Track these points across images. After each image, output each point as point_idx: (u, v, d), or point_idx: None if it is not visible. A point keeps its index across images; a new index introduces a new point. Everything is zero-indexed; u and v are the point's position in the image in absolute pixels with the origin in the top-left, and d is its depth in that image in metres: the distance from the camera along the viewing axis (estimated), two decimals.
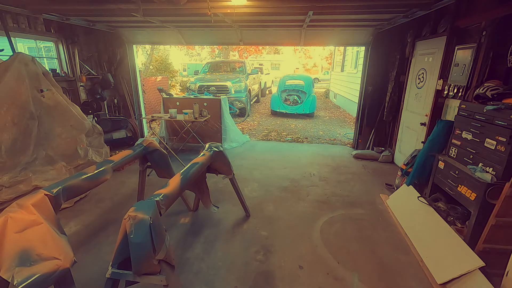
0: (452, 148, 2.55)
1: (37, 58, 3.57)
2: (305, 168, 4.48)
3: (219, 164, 2.67)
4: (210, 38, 5.62)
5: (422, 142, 3.49)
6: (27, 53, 3.52)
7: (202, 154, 2.51)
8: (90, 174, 2.02)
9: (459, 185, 2.32)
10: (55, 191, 1.68)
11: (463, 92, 2.89)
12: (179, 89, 13.81)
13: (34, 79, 3.34)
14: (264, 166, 4.56)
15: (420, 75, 3.90)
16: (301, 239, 2.66)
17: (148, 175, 3.22)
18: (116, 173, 4.00)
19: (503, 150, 1.97)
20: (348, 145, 5.90)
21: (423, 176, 3.01)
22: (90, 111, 5.18)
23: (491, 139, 2.09)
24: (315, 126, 7.91)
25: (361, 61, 5.65)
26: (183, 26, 4.88)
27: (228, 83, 8.76)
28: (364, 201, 3.38)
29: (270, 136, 6.82)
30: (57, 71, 4.83)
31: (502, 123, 1.99)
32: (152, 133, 6.19)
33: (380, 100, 4.93)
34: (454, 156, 2.52)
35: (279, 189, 3.70)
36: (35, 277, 1.29)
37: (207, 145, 2.70)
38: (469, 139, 2.34)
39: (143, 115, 6.19)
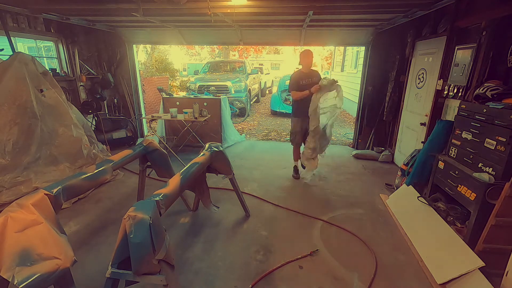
0: (452, 148, 2.55)
1: (37, 58, 3.57)
2: None
3: (219, 164, 2.67)
4: (210, 38, 5.63)
5: (422, 142, 3.49)
6: (27, 53, 3.52)
7: (202, 154, 2.51)
8: (90, 174, 2.02)
9: (459, 185, 2.32)
10: (55, 190, 1.68)
11: (463, 92, 2.89)
12: (179, 88, 13.80)
13: (34, 78, 3.34)
14: (264, 166, 4.56)
15: (420, 75, 3.90)
16: (301, 239, 2.66)
17: (148, 175, 3.22)
18: (115, 173, 4.01)
19: (503, 150, 1.97)
20: (348, 145, 5.90)
21: (423, 176, 3.01)
22: (90, 111, 5.18)
23: (491, 139, 2.09)
24: None
25: (361, 61, 5.65)
26: (183, 26, 4.88)
27: (228, 83, 8.76)
28: (364, 201, 3.38)
29: (270, 136, 6.82)
30: (57, 71, 4.83)
31: (502, 123, 1.99)
32: (152, 133, 6.18)
33: (380, 100, 4.93)
34: (454, 156, 2.52)
35: (279, 189, 3.71)
36: (36, 276, 1.29)
37: (207, 145, 2.70)
38: (469, 139, 2.34)
39: (143, 115, 6.19)
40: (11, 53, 3.45)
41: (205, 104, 5.14)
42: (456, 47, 3.04)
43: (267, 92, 15.44)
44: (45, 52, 7.59)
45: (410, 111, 4.21)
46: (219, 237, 2.66)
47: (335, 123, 3.85)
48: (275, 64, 27.60)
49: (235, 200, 3.05)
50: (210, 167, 2.65)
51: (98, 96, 5.38)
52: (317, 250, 2.47)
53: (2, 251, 1.32)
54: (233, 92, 8.66)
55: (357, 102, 5.39)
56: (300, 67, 3.77)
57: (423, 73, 3.82)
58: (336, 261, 2.35)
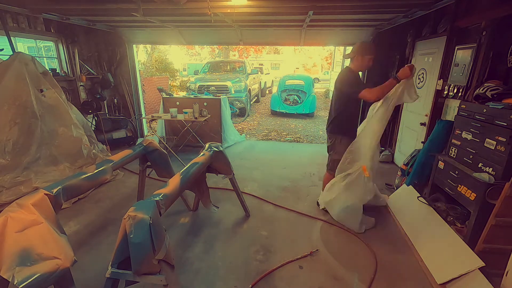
0: (452, 148, 2.55)
1: (37, 58, 3.57)
2: (305, 168, 4.48)
3: (219, 164, 2.67)
4: (210, 38, 5.63)
5: (422, 142, 3.49)
6: (27, 53, 3.52)
7: (202, 154, 2.51)
8: (90, 174, 2.02)
9: (459, 185, 2.32)
10: (55, 190, 1.68)
11: (463, 92, 2.89)
12: (179, 88, 13.81)
13: (34, 78, 3.34)
14: (264, 166, 4.56)
15: (420, 75, 3.90)
16: (301, 239, 2.66)
17: (148, 175, 3.22)
18: (115, 173, 4.01)
19: (503, 150, 1.97)
20: None
21: (423, 176, 3.01)
22: (90, 111, 5.18)
23: (491, 139, 2.09)
24: (315, 126, 7.91)
25: None
26: (183, 26, 4.88)
27: (228, 83, 8.76)
28: None
29: (270, 136, 6.82)
30: (57, 71, 4.83)
31: (502, 123, 1.99)
32: (152, 133, 6.18)
33: None
34: (454, 156, 2.52)
35: (279, 189, 3.70)
36: (36, 276, 1.29)
37: (207, 145, 2.70)
38: (469, 139, 2.34)
39: (143, 115, 6.19)
40: (11, 53, 3.45)
41: (205, 104, 5.14)
42: (456, 47, 3.03)
43: (267, 92, 15.44)
44: (45, 52, 7.59)
45: (410, 111, 4.21)
46: (219, 237, 2.66)
47: None
48: (275, 64, 27.63)
49: (235, 200, 3.05)
50: (210, 167, 2.65)
51: (98, 96, 5.38)
52: (317, 250, 2.47)
53: (2, 251, 1.32)
54: (233, 92, 8.67)
55: None
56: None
57: (423, 73, 3.82)
58: (336, 261, 2.35)
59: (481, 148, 2.19)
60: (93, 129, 4.80)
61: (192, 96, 5.77)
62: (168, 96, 5.46)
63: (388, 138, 5.05)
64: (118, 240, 1.45)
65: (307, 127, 7.85)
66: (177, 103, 5.22)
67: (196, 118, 4.46)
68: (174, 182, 1.87)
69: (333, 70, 14.38)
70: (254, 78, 10.98)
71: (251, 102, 10.63)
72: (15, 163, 3.09)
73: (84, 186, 1.97)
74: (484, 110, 2.19)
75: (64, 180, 1.85)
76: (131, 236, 1.38)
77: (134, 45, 5.69)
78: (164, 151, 2.84)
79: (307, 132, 7.27)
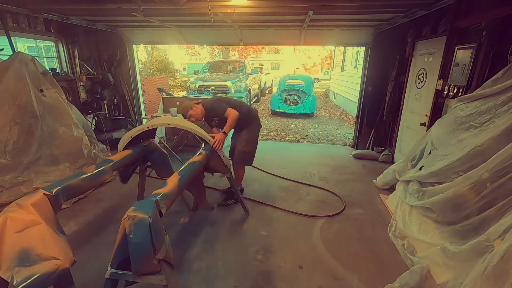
0: None
1: (37, 58, 3.57)
2: (305, 168, 4.48)
3: (215, 163, 2.67)
4: (210, 38, 5.63)
5: None
6: (27, 53, 3.51)
7: (198, 153, 2.52)
8: (90, 174, 2.02)
9: None
10: (54, 190, 1.68)
11: (463, 92, 2.89)
12: (179, 88, 13.81)
13: (34, 78, 3.33)
14: (264, 166, 4.55)
15: (420, 75, 3.90)
16: (301, 239, 2.66)
17: (148, 175, 3.21)
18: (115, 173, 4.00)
19: None
20: (348, 145, 5.90)
21: None
22: (90, 111, 5.18)
23: None
24: (315, 126, 7.91)
25: (361, 61, 5.65)
26: (183, 26, 4.88)
27: (228, 83, 8.77)
28: (364, 201, 3.38)
29: (270, 136, 6.82)
30: (57, 71, 4.83)
31: None
32: None
33: (380, 100, 4.93)
34: None
35: (279, 189, 3.70)
36: (35, 277, 1.29)
37: (203, 144, 2.70)
38: None
39: (143, 115, 6.19)
40: (11, 53, 3.45)
41: None
42: (456, 47, 3.03)
43: (267, 92, 15.45)
44: (45, 52, 7.59)
45: (410, 111, 4.21)
46: (219, 237, 2.66)
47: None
48: (275, 64, 27.65)
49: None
50: (207, 167, 2.64)
51: (98, 96, 5.37)
52: None
53: (2, 251, 1.32)
54: (233, 92, 8.67)
55: (357, 102, 5.39)
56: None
57: (423, 73, 3.82)
58: (336, 261, 2.35)
59: None
60: (93, 129, 4.79)
61: (192, 96, 5.77)
62: (168, 96, 5.46)
63: (388, 138, 5.06)
64: (117, 240, 1.44)
65: (307, 127, 7.85)
66: (177, 103, 5.21)
67: None
68: (172, 181, 1.86)
69: (333, 70, 14.37)
70: (254, 78, 10.98)
71: (251, 102, 10.63)
72: (16, 163, 3.09)
73: (84, 186, 1.96)
74: None
75: (64, 180, 1.84)
76: (131, 236, 1.37)
77: (134, 45, 5.69)
78: (164, 151, 2.84)
79: (307, 132, 7.26)
